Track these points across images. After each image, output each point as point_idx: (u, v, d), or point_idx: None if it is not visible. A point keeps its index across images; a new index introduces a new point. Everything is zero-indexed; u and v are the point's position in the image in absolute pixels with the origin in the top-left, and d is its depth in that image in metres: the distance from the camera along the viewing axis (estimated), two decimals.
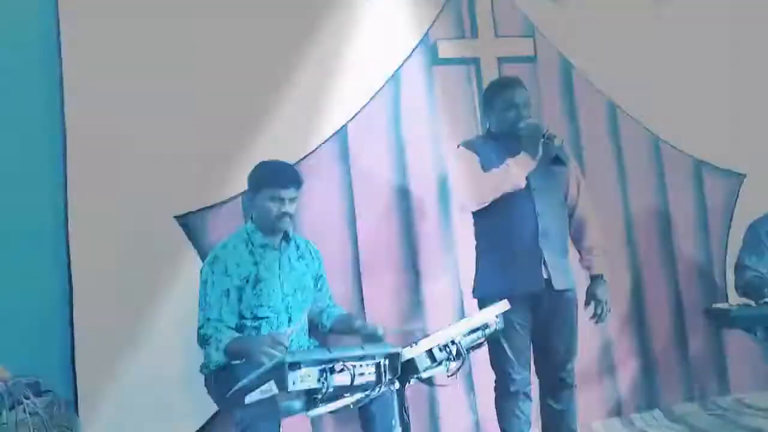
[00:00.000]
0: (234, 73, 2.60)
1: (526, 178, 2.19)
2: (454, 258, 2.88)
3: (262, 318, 2.12)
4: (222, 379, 1.98)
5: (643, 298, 3.22)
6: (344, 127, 2.78)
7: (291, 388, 1.35)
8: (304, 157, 2.68)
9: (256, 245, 2.17)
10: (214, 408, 2.39)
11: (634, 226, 3.23)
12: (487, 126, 2.42)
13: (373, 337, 2.10)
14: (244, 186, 2.35)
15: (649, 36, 3.33)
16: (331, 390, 1.44)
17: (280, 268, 2.20)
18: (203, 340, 2.03)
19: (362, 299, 2.73)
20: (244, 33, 2.64)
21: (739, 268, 2.74)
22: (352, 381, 1.46)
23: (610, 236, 2.76)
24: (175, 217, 2.51)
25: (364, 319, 2.48)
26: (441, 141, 2.91)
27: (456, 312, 2.84)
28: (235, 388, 1.47)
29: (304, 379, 1.39)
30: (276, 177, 2.15)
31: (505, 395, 2.28)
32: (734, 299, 2.90)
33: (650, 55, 3.32)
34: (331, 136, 2.76)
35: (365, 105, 2.82)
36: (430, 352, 1.66)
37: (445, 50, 2.98)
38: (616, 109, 3.29)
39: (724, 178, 3.47)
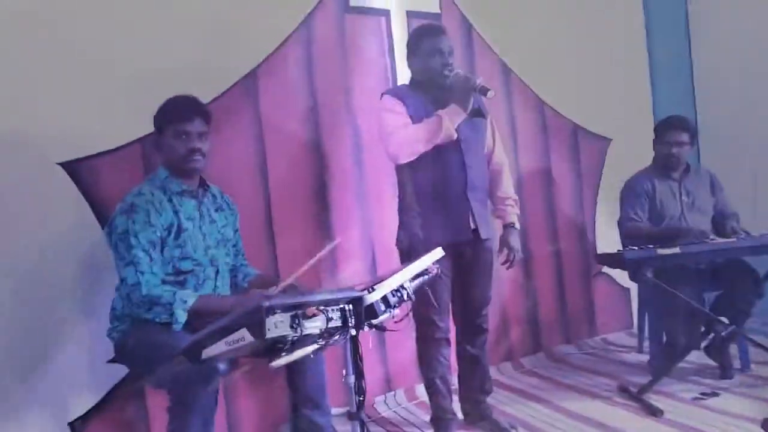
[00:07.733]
0: (135, 10, 2.32)
1: (456, 130, 2.18)
2: (364, 211, 2.85)
3: (186, 272, 1.93)
4: (143, 340, 1.80)
5: (530, 250, 3.45)
6: (253, 71, 2.60)
7: (268, 335, 1.26)
8: (211, 102, 2.45)
9: (173, 192, 1.96)
10: (115, 379, 2.19)
11: (523, 183, 3.43)
12: (411, 75, 2.38)
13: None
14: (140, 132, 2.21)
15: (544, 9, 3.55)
16: (301, 337, 1.37)
17: (201, 218, 2.02)
18: (147, 300, 1.79)
19: (275, 257, 2.60)
20: None
21: (624, 220, 2.98)
22: (325, 327, 1.39)
23: None
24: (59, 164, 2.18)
25: (278, 277, 2.37)
26: (353, 92, 2.84)
27: (368, 266, 2.83)
28: (193, 339, 1.31)
29: (278, 325, 1.29)
30: (178, 110, 1.95)
31: (430, 342, 2.31)
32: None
33: (543, 26, 3.54)
34: (238, 81, 2.56)
35: (275, 50, 2.65)
36: (384, 298, 1.64)
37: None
38: (510, 72, 3.46)
39: (595, 142, 3.83)
